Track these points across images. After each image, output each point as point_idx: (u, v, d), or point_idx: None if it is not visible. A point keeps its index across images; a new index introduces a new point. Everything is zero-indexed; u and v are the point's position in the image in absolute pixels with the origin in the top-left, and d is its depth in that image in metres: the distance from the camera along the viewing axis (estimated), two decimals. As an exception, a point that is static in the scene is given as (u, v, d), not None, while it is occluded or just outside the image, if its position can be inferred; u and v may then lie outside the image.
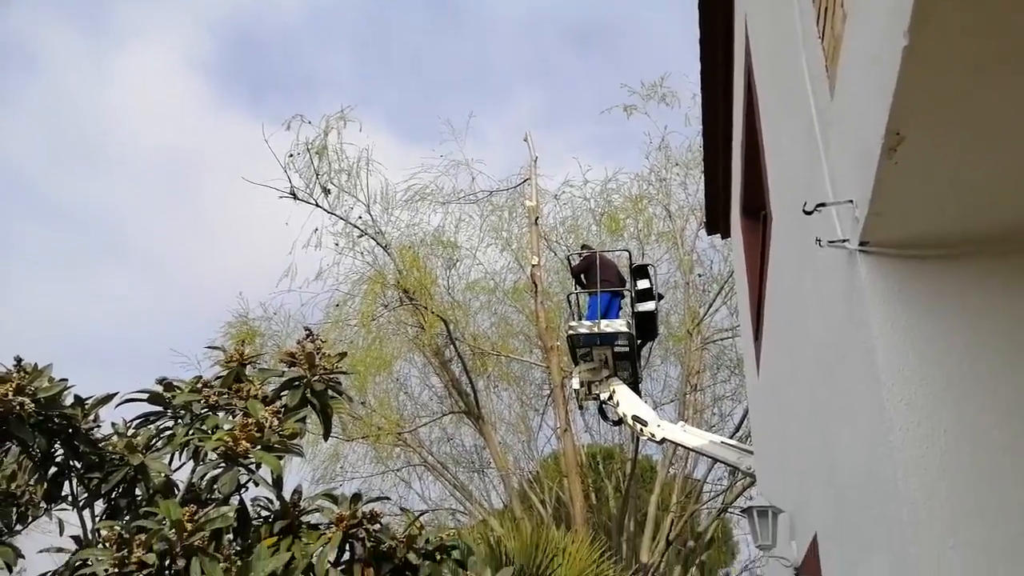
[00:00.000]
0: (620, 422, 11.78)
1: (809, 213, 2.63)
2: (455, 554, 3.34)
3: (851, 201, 2.42)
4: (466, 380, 15.62)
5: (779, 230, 4.50)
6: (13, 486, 3.65)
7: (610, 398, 11.37)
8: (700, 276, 16.59)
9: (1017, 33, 1.73)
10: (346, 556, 3.23)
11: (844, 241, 2.50)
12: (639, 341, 11.79)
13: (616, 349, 11.20)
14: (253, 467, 3.15)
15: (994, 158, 2.07)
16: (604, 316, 11.28)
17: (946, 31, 1.72)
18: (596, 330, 11.05)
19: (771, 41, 4.40)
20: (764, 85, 4.84)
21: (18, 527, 3.66)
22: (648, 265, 12.73)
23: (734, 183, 7.59)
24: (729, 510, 16.16)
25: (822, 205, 2.60)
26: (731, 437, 13.44)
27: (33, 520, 3.75)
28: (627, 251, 13.15)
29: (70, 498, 3.44)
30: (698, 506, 16.62)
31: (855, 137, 2.36)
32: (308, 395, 3.59)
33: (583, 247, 13.29)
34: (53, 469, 3.35)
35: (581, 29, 34.55)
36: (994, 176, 2.13)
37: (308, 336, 3.90)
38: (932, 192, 2.20)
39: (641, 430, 10.87)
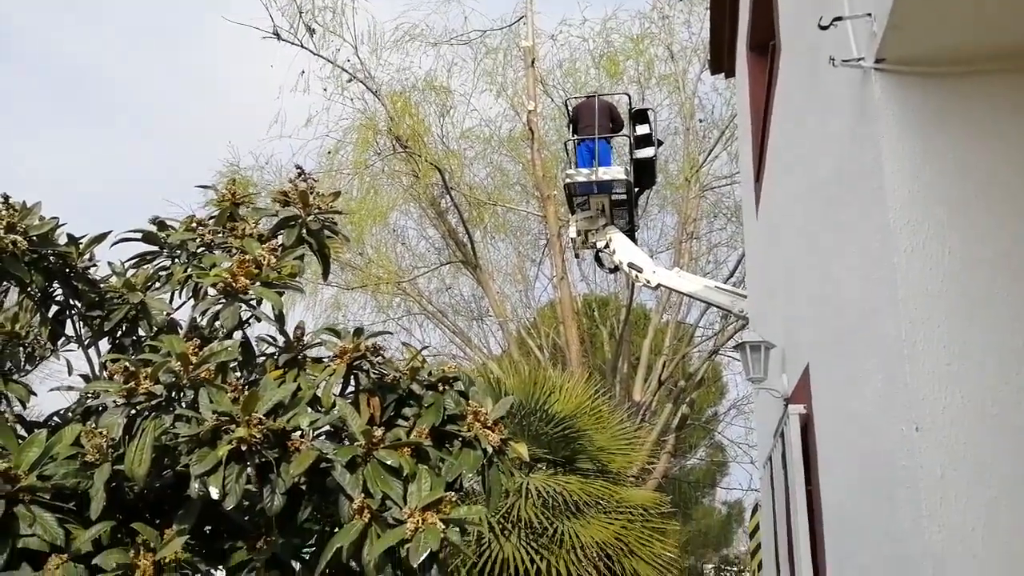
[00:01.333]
0: (616, 269, 11.89)
1: (825, 28, 2.49)
2: (457, 385, 3.43)
3: (869, 14, 2.29)
4: (463, 231, 15.62)
5: (788, 60, 4.31)
6: (17, 327, 3.68)
7: (606, 246, 11.40)
8: (701, 122, 16.22)
9: None
10: (351, 388, 3.30)
11: (859, 60, 2.38)
12: (637, 189, 11.68)
13: (613, 197, 11.11)
14: (254, 304, 3.16)
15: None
16: (599, 163, 11.09)
17: None
18: (594, 178, 10.90)
19: None
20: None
21: (27, 367, 3.73)
22: (648, 110, 12.36)
23: (741, 14, 7.24)
24: (720, 352, 16.67)
25: (838, 19, 2.45)
26: (725, 283, 13.62)
27: (41, 361, 3.82)
28: (627, 95, 12.74)
29: (75, 337, 3.48)
30: (690, 348, 17.13)
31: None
32: (304, 235, 3.55)
33: (588, 97, 12.84)
34: (54, 308, 3.36)
35: None
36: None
37: (300, 175, 3.82)
38: (953, 3, 2.06)
39: (636, 276, 10.99)
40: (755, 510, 11.42)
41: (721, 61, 8.72)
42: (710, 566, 20.00)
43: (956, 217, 2.18)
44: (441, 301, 17.83)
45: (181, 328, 3.49)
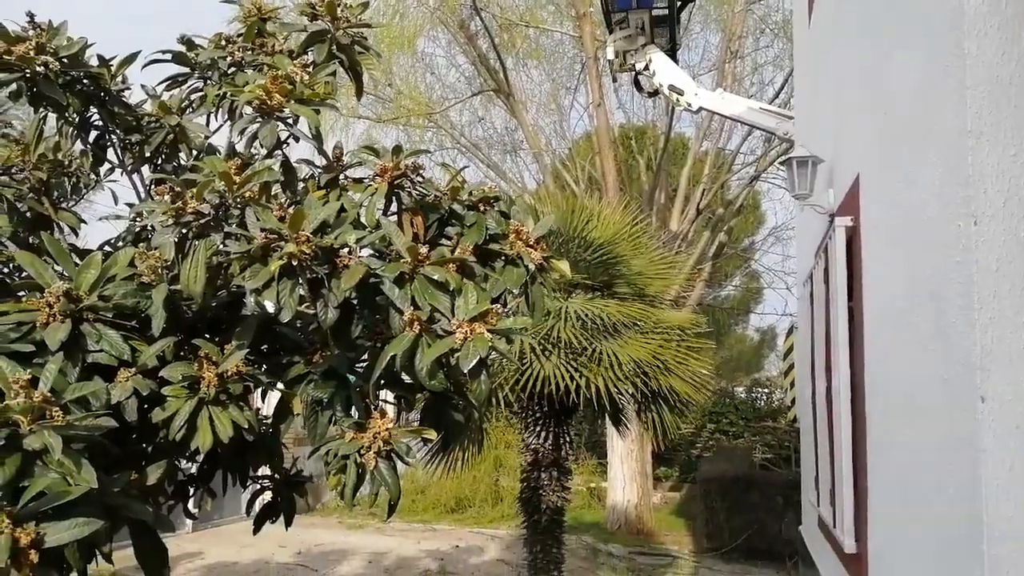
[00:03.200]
0: (656, 93, 11.50)
1: None
2: (499, 205, 3.43)
3: None
4: (494, 56, 15.07)
5: None
6: (60, 155, 3.71)
7: (646, 68, 10.97)
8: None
9: None
10: (392, 208, 3.32)
11: None
12: (679, 3, 11.06)
13: (654, 12, 10.55)
14: (290, 122, 3.13)
15: None
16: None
17: None
18: (633, -10, 10.32)
19: None
20: None
21: (74, 197, 3.80)
22: (692, -86, 11.46)
23: None
24: (760, 179, 16.38)
25: None
26: (770, 103, 13.13)
27: (87, 191, 3.88)
28: None
29: (118, 163, 3.51)
30: (729, 176, 16.85)
31: None
32: (334, 50, 3.45)
33: None
34: (94, 134, 3.37)
35: None
36: None
37: (325, -16, 3.65)
38: None
39: (677, 100, 10.64)
40: (790, 332, 11.65)
41: None
42: (741, 388, 20.76)
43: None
44: (474, 134, 17.57)
45: (220, 154, 3.49)
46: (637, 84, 12.34)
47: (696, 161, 16.34)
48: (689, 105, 10.59)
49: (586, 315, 6.92)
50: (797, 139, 7.91)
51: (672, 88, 10.65)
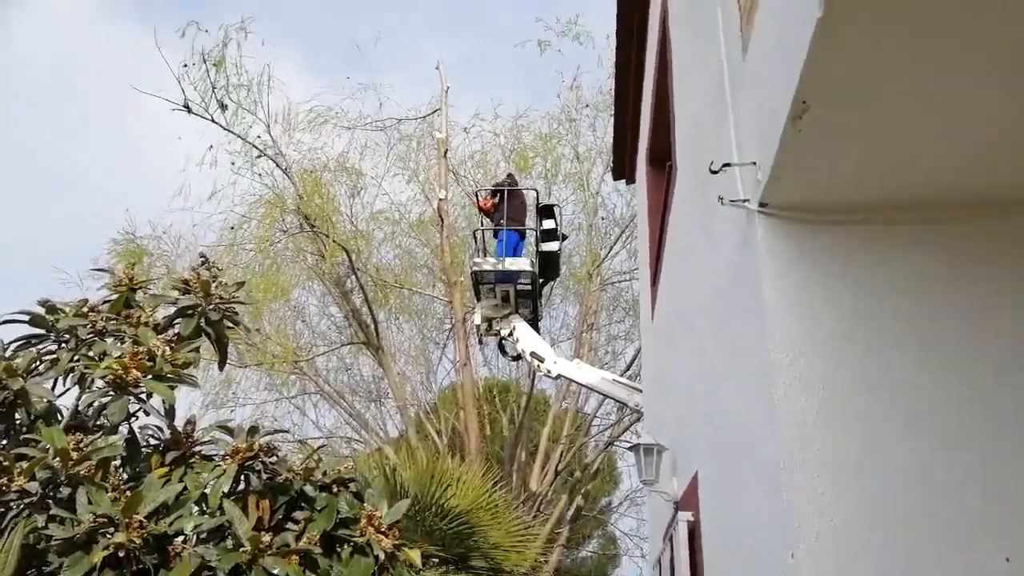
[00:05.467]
0: (518, 357, 12.03)
1: (715, 172, 2.71)
2: (352, 486, 3.37)
3: (754, 163, 2.51)
4: (367, 311, 15.49)
5: (682, 182, 4.61)
6: None
7: (510, 334, 11.57)
8: (603, 219, 16.90)
9: (932, 17, 1.80)
10: (240, 487, 3.19)
11: (744, 201, 2.59)
12: (541, 280, 12.00)
13: (519, 287, 11.36)
14: (144, 396, 3.05)
15: (894, 135, 2.17)
16: (512, 254, 11.38)
17: (860, 6, 1.78)
18: (500, 267, 11.15)
19: (689, -8, 4.43)
20: (679, 34, 4.88)
21: None
22: (555, 205, 12.83)
23: (642, 130, 7.69)
24: (616, 443, 16.90)
25: (727, 165, 2.67)
26: (622, 375, 13.94)
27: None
28: (535, 190, 13.19)
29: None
30: (587, 439, 17.31)
31: (763, 100, 2.42)
32: (203, 324, 3.48)
33: (509, 176, 13.08)
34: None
35: (500, -44, 33.53)
36: (891, 152, 2.24)
37: (204, 263, 3.76)
38: (830, 161, 2.30)
39: (538, 366, 11.16)
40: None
41: (623, 169, 9.20)
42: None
43: (829, 350, 2.37)
44: (339, 381, 17.45)
45: (62, 416, 3.31)
46: (502, 348, 12.91)
47: (556, 420, 16.79)
48: (548, 372, 11.12)
49: (438, 590, 6.55)
50: (645, 417, 8.35)
51: (534, 355, 11.22)
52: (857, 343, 2.37)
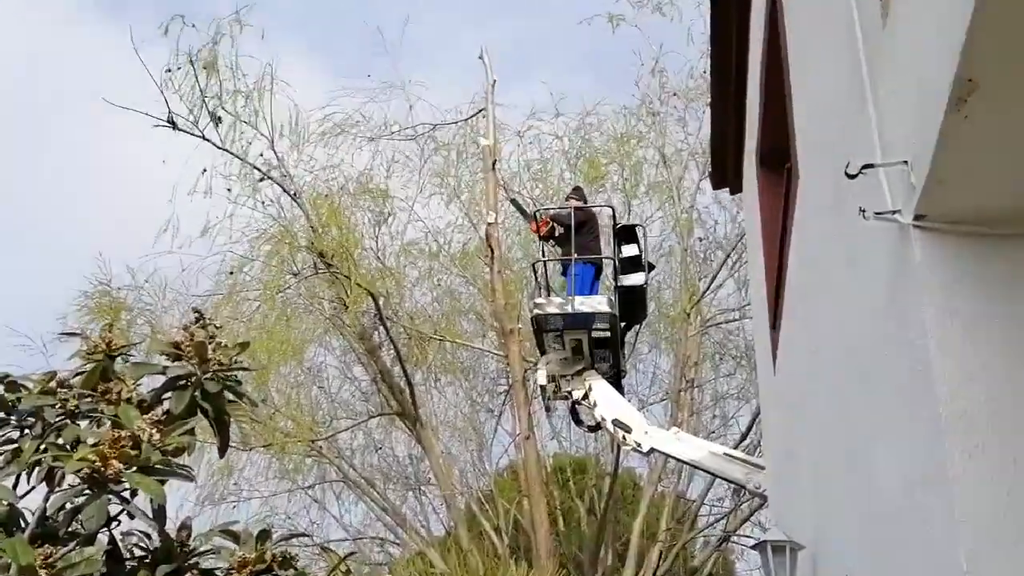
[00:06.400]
0: (597, 427, 11.94)
1: (852, 176, 2.68)
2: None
3: (906, 162, 2.47)
4: (400, 372, 15.62)
5: (807, 190, 4.57)
6: None
7: (585, 396, 11.50)
8: (701, 240, 16.80)
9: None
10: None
11: (895, 213, 2.55)
12: (623, 324, 11.93)
13: (594, 334, 11.31)
14: (127, 495, 3.11)
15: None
16: (585, 291, 11.32)
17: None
18: (569, 309, 11.12)
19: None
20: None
21: None
22: (637, 226, 12.83)
23: (749, 123, 7.67)
24: (732, 539, 16.54)
25: (868, 166, 2.64)
26: (736, 447, 13.72)
27: None
28: (610, 207, 13.20)
29: None
30: (693, 534, 16.98)
31: (913, 79, 2.39)
32: (198, 398, 3.54)
33: (576, 190, 13.01)
34: None
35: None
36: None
37: (198, 320, 3.85)
38: (1009, 155, 2.25)
39: (624, 438, 11.04)
40: None
41: (725, 174, 9.11)
42: None
43: (1021, 409, 2.29)
44: (368, 464, 17.56)
45: (26, 523, 3.40)
46: (574, 415, 12.83)
47: (650, 509, 16.54)
48: (639, 445, 10.96)
49: None
50: (771, 503, 8.17)
51: (617, 423, 11.07)
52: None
